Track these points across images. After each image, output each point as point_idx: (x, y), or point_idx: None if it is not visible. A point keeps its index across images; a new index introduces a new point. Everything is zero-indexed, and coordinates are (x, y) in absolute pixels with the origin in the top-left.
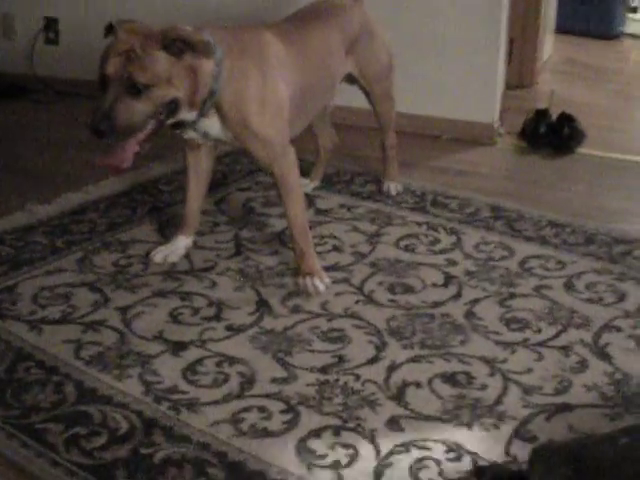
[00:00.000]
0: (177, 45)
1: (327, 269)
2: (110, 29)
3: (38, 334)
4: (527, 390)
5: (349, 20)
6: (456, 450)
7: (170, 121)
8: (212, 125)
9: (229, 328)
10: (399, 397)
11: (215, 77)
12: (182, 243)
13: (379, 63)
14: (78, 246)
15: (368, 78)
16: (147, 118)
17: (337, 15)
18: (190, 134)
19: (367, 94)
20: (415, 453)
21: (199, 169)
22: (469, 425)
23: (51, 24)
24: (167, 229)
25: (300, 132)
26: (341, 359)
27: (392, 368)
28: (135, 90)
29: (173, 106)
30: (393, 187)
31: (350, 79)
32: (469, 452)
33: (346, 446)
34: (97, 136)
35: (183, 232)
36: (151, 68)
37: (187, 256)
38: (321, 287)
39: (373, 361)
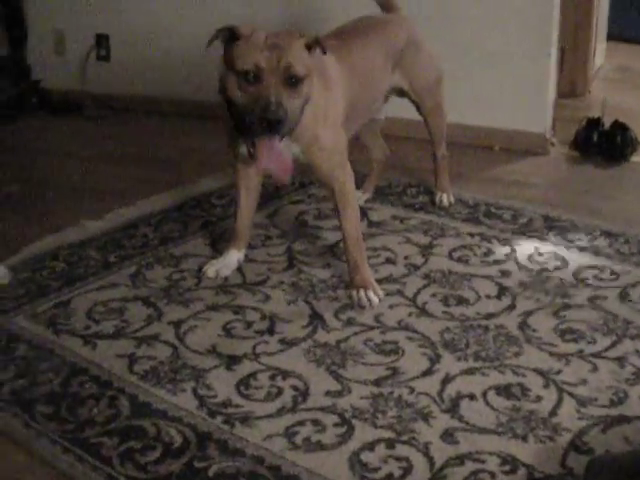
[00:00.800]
0: (315, 46)
1: (380, 281)
2: (232, 32)
3: (92, 349)
4: (582, 402)
5: (394, 35)
6: (511, 463)
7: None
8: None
9: (282, 341)
10: (453, 410)
11: None
12: (234, 257)
13: (427, 76)
14: (131, 261)
15: (417, 91)
16: (299, 115)
17: (381, 30)
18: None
19: (418, 107)
20: (470, 466)
21: (250, 184)
22: (524, 437)
23: (102, 41)
24: (219, 243)
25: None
26: (395, 371)
27: (446, 380)
28: (292, 82)
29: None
30: (445, 198)
31: (400, 92)
32: (524, 464)
33: (400, 459)
34: (270, 128)
35: (235, 246)
36: (304, 61)
37: (239, 270)
38: (375, 300)
39: (427, 373)
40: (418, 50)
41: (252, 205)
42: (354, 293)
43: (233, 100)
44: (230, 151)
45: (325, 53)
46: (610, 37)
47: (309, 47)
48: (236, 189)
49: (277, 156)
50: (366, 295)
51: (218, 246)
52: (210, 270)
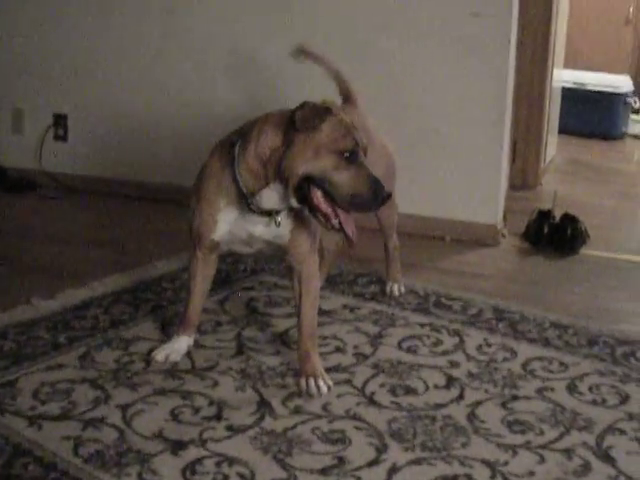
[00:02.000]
0: None
1: (329, 370)
2: (328, 110)
3: (37, 430)
4: None
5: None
6: None
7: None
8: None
9: (229, 428)
10: None
11: None
12: (184, 343)
13: (380, 165)
14: (80, 342)
15: None
16: None
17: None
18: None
19: None
20: None
21: (207, 271)
22: None
23: (60, 120)
24: (169, 327)
25: None
26: (341, 461)
27: (393, 470)
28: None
29: None
30: (396, 288)
31: None
32: None
33: None
34: (384, 202)
35: (185, 332)
36: None
37: (189, 355)
38: (324, 389)
39: (373, 463)
40: (370, 141)
41: (205, 291)
42: (303, 381)
43: (332, 179)
44: (195, 235)
45: None
46: (561, 130)
47: None
48: (191, 275)
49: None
50: (315, 384)
51: (168, 330)
52: (159, 355)
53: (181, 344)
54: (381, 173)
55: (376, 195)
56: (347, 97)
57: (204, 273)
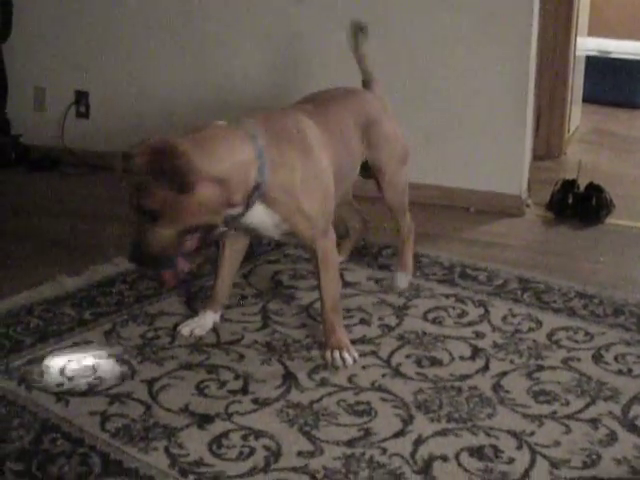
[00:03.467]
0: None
1: (354, 342)
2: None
3: (65, 405)
4: (555, 464)
5: (361, 107)
6: None
7: (214, 234)
8: (257, 214)
9: (255, 401)
10: (425, 471)
11: (260, 170)
12: (210, 318)
13: (391, 151)
14: (106, 318)
15: (378, 164)
16: (176, 240)
17: (350, 101)
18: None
19: (378, 182)
20: None
21: (236, 246)
22: None
23: (81, 98)
24: (195, 302)
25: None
26: (367, 432)
27: (419, 442)
28: (151, 219)
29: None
30: (403, 279)
31: (364, 167)
32: None
33: None
34: (138, 265)
35: (212, 307)
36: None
37: (214, 329)
38: (349, 361)
39: (399, 434)
40: (383, 126)
41: (235, 267)
42: (328, 354)
43: None
44: None
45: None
46: (585, 100)
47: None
48: (221, 252)
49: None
50: (341, 356)
51: (194, 304)
52: (185, 329)
53: (207, 319)
54: (385, 158)
55: (129, 258)
56: (368, 82)
57: (233, 246)
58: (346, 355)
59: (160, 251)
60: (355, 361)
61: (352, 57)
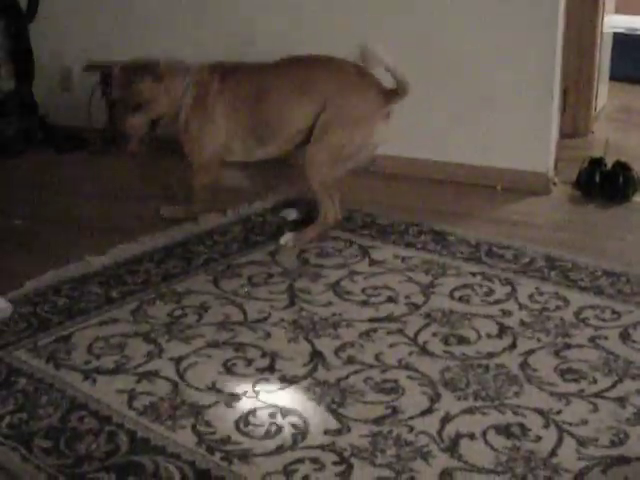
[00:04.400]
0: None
1: (381, 320)
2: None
3: (92, 384)
4: (582, 442)
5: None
6: None
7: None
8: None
9: (282, 379)
10: (453, 449)
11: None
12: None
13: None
14: (133, 296)
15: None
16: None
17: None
18: None
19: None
20: None
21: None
22: (523, 477)
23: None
24: (222, 280)
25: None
26: (394, 410)
27: (446, 419)
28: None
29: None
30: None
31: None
32: None
33: None
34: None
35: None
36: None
37: (241, 306)
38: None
39: (427, 412)
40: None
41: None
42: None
43: None
44: None
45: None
46: (612, 77)
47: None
48: None
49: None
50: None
51: (221, 283)
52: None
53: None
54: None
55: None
56: (403, 90)
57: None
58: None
59: (131, 131)
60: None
61: None
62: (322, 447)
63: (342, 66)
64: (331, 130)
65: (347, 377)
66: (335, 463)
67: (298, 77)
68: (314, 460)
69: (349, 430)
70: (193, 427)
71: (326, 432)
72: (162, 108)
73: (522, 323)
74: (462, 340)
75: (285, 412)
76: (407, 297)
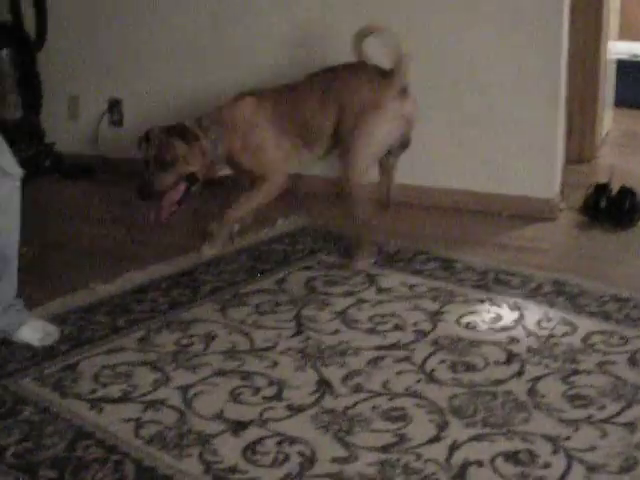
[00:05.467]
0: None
1: (388, 348)
2: (146, 136)
3: (98, 413)
4: (591, 468)
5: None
6: None
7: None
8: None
9: (290, 407)
10: (461, 476)
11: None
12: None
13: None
14: (140, 325)
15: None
16: (170, 185)
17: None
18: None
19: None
20: None
21: None
22: None
23: (115, 105)
24: (229, 308)
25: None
26: (402, 438)
27: (454, 447)
28: (164, 167)
29: (192, 177)
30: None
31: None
32: None
33: None
34: (141, 198)
35: None
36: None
37: (247, 335)
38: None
39: (434, 440)
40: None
41: None
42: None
43: None
44: None
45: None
46: (617, 103)
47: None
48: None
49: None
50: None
51: (228, 311)
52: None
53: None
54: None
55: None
56: (404, 90)
57: None
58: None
59: (163, 190)
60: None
61: None
62: (329, 475)
63: (354, 69)
64: (353, 135)
65: (354, 405)
66: None
67: (321, 84)
68: None
69: (357, 458)
70: (200, 456)
71: (334, 460)
72: (193, 166)
73: (530, 349)
74: (470, 367)
75: (292, 440)
76: (414, 324)
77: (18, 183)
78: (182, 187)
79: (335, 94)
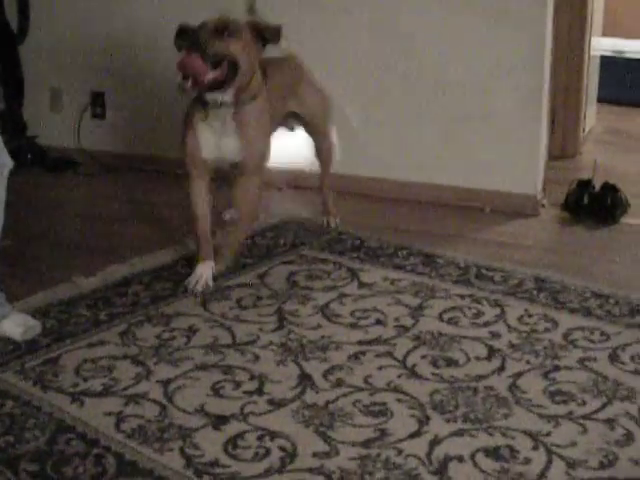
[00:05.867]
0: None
1: (369, 342)
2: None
3: (80, 406)
4: (572, 464)
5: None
6: None
7: (229, 85)
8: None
9: (271, 402)
10: (441, 472)
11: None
12: (209, 266)
13: (314, 104)
14: (121, 319)
15: (308, 115)
16: (221, 54)
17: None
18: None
19: (310, 132)
20: None
21: (203, 194)
22: None
23: (97, 99)
24: (211, 302)
25: None
26: (383, 433)
27: (434, 442)
28: (223, 34)
29: (234, 68)
30: (332, 220)
31: (296, 116)
32: None
33: None
34: (191, 44)
35: (207, 256)
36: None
37: (229, 329)
38: (206, 284)
39: (415, 435)
40: (307, 84)
41: (208, 211)
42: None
43: None
44: (189, 161)
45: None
46: (600, 99)
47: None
48: (191, 201)
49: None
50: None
51: (210, 305)
52: (198, 284)
53: (208, 268)
54: (315, 108)
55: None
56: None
57: (200, 195)
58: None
59: (214, 53)
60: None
61: None
62: (310, 470)
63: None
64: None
65: (336, 400)
66: None
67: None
68: None
69: (337, 453)
70: (181, 450)
71: (314, 455)
72: (242, 56)
73: (511, 345)
74: (451, 362)
75: (273, 435)
76: (396, 319)
77: (6, 173)
78: (224, 68)
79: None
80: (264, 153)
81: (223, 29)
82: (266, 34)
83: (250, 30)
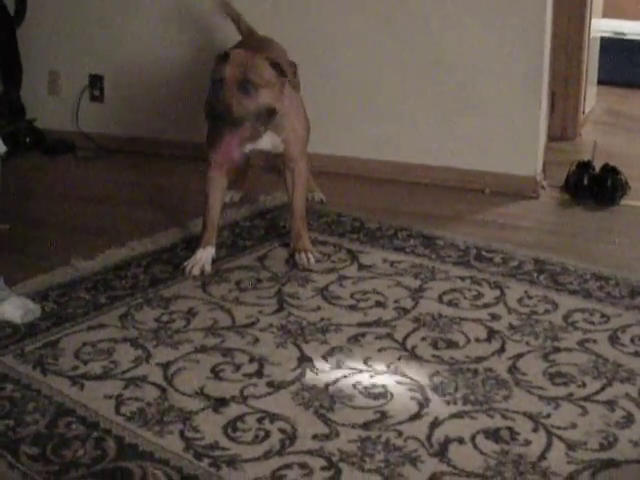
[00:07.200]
0: (278, 67)
1: (369, 324)
2: (225, 56)
3: (79, 389)
4: (571, 446)
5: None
6: None
7: (268, 128)
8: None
9: (270, 384)
10: (441, 453)
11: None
12: (210, 252)
13: (292, 129)
14: (121, 302)
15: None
16: (252, 113)
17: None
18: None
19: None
20: None
21: (220, 187)
22: None
23: (96, 81)
24: (210, 285)
25: None
26: (383, 415)
27: (435, 424)
28: (247, 90)
29: (269, 113)
30: (311, 257)
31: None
32: None
33: None
34: (218, 119)
35: (209, 242)
36: (262, 74)
37: (229, 312)
38: (312, 260)
39: (415, 417)
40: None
41: (221, 203)
42: (296, 255)
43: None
44: (210, 153)
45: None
46: (600, 81)
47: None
48: (208, 190)
49: (227, 148)
50: (306, 257)
51: (209, 288)
52: (195, 268)
53: (208, 253)
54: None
55: (213, 111)
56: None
57: (217, 185)
58: (310, 256)
59: (241, 116)
60: (316, 261)
61: None
62: (310, 452)
63: None
64: None
65: (336, 382)
66: (323, 468)
67: None
68: (302, 465)
69: (337, 435)
70: (181, 433)
71: (314, 437)
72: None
73: (511, 327)
74: (451, 344)
75: (273, 417)
76: (396, 301)
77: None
78: (258, 126)
79: None
80: (304, 138)
81: (245, 81)
82: (284, 67)
83: (270, 65)
